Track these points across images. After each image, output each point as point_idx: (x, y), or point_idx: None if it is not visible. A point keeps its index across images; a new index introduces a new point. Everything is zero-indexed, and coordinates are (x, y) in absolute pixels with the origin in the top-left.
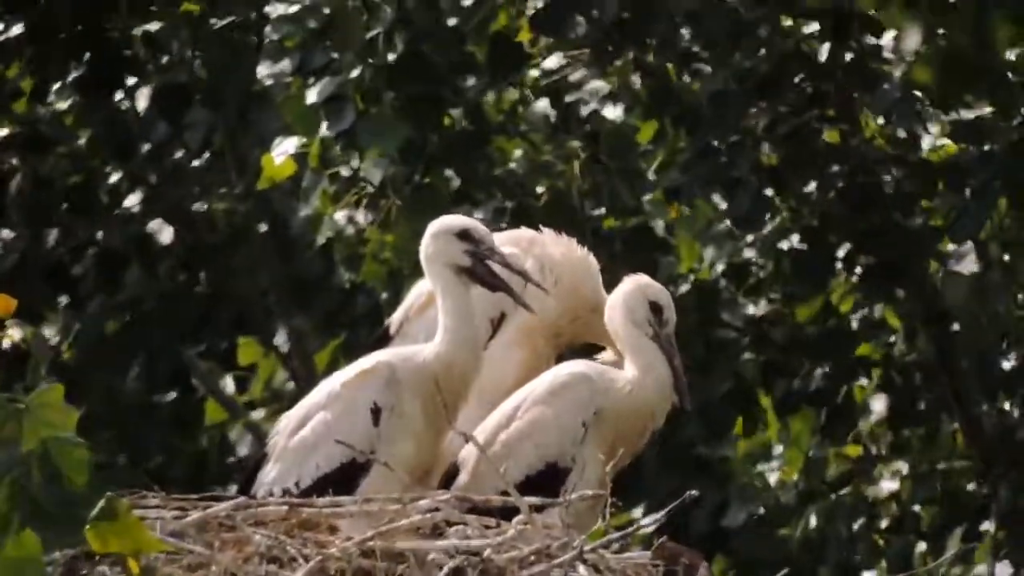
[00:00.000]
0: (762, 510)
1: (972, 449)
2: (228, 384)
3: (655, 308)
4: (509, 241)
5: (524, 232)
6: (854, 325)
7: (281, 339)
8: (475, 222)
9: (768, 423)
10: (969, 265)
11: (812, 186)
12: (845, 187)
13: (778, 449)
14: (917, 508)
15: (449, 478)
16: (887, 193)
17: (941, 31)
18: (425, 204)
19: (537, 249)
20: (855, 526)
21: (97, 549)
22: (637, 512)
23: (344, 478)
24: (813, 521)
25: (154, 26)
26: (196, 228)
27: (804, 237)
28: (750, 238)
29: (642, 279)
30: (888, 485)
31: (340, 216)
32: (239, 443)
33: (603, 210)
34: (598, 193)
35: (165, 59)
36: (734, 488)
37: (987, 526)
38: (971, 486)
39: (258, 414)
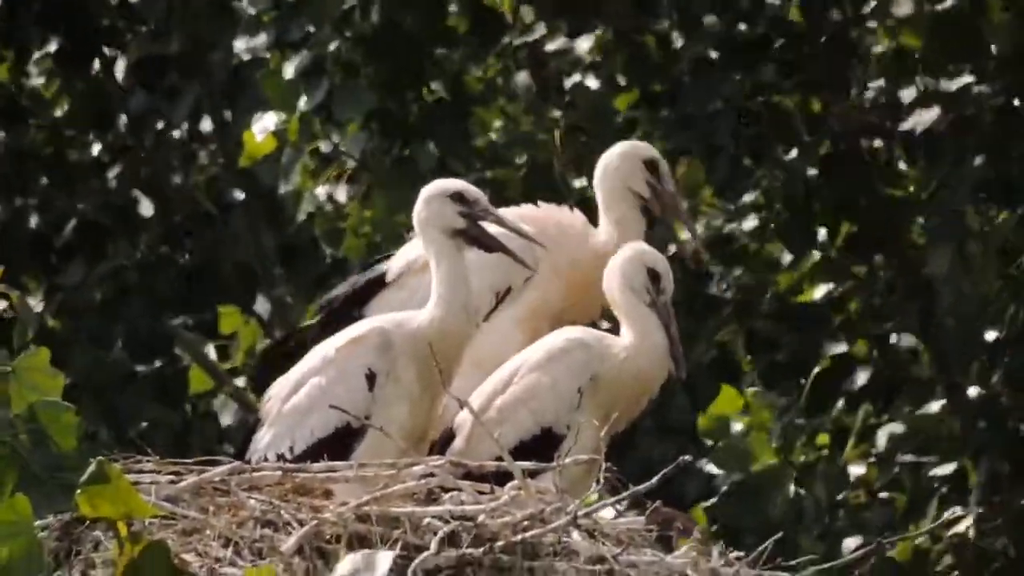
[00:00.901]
0: (734, 477)
1: (954, 418)
2: (210, 352)
3: (653, 275)
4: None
5: (524, 210)
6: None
7: (262, 307)
8: (467, 184)
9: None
10: (946, 237)
11: (793, 153)
12: (827, 156)
13: (736, 426)
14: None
15: (445, 443)
16: (868, 162)
17: None
18: (403, 177)
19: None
20: (838, 496)
21: (87, 513)
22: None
23: (339, 443)
24: (792, 490)
25: None
26: (175, 200)
27: (786, 206)
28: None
29: (641, 246)
30: (855, 470)
31: (320, 191)
32: (223, 412)
33: (584, 181)
34: (579, 163)
35: (144, 29)
36: (713, 456)
37: (957, 510)
38: (938, 471)
39: (239, 381)
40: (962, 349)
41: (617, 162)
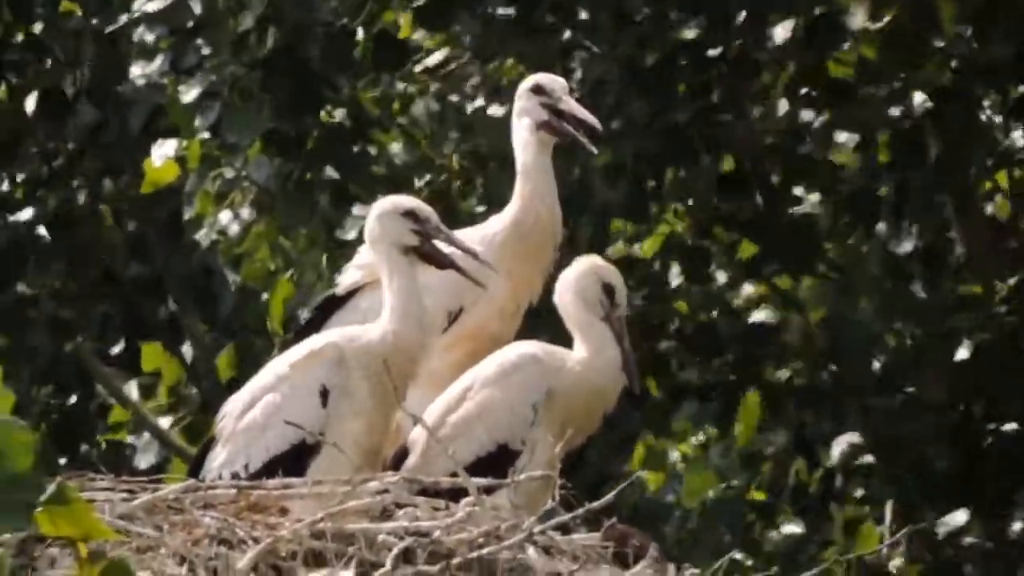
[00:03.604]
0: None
1: (867, 440)
2: (133, 391)
3: (607, 289)
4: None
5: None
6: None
7: (185, 345)
8: (420, 202)
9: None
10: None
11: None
12: (727, 177)
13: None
14: None
15: (399, 459)
16: (771, 184)
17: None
18: (300, 202)
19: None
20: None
21: (47, 533)
22: None
23: (294, 460)
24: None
25: (37, 27)
26: (85, 229)
27: (692, 229)
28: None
29: (595, 260)
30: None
31: (224, 217)
32: (144, 452)
33: (483, 207)
34: (477, 186)
35: (49, 61)
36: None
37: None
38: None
39: (164, 421)
40: (854, 379)
41: (516, 105)
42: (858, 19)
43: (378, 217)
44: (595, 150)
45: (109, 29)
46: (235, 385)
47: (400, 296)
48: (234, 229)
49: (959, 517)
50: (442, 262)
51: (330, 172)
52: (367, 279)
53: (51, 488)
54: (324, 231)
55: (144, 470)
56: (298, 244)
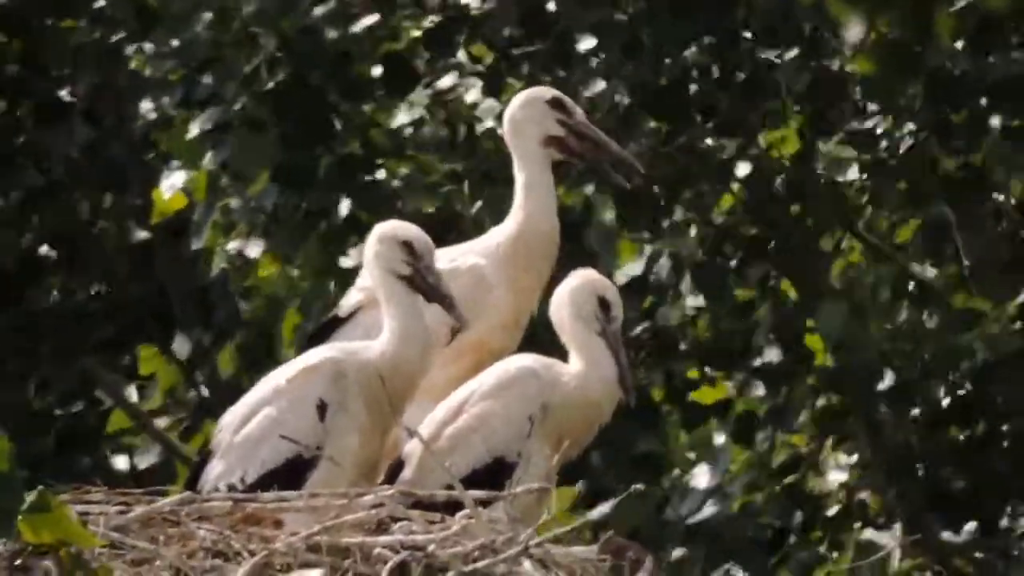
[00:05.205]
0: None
1: (877, 458)
2: (132, 394)
3: (603, 304)
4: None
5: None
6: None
7: (182, 348)
8: (420, 234)
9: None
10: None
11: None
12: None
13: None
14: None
15: (394, 472)
16: (781, 205)
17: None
18: (301, 232)
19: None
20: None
21: (29, 540)
22: None
23: (290, 473)
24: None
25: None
26: (83, 242)
27: (704, 248)
28: (648, 250)
29: (591, 274)
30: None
31: (232, 247)
32: (144, 454)
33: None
34: (489, 210)
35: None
36: (674, 485)
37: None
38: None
39: (161, 423)
40: (863, 396)
41: (521, 112)
42: (854, 32)
43: (377, 240)
44: (628, 185)
45: (114, 39)
46: (235, 386)
47: (399, 318)
48: (239, 260)
49: (964, 530)
50: (429, 295)
51: (343, 202)
52: (368, 299)
53: (32, 495)
54: (327, 260)
55: (144, 470)
56: (302, 272)
